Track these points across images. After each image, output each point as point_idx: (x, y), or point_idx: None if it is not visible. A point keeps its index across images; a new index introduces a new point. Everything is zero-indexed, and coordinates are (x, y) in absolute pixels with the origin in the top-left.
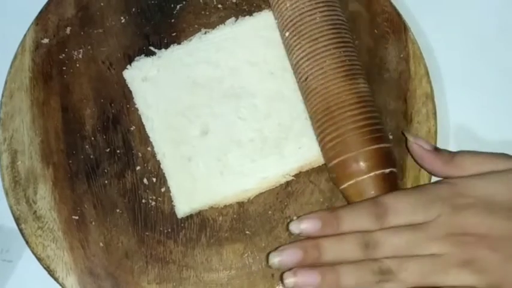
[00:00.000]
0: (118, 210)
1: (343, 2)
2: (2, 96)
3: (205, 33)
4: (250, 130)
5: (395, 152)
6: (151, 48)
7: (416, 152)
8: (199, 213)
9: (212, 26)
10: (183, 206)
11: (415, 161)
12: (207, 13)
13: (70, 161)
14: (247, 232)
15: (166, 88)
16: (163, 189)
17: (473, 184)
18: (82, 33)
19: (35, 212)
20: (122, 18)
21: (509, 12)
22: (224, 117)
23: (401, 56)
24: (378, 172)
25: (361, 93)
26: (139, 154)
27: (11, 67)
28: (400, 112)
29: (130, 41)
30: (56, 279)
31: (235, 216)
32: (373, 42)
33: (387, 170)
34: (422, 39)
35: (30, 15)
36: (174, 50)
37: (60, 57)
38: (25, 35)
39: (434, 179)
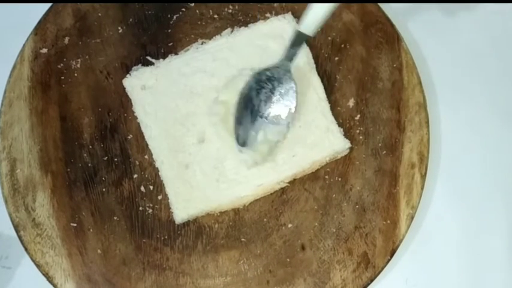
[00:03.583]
0: (115, 218)
1: (337, 12)
2: (1, 105)
3: (201, 43)
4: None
5: (388, 161)
6: (149, 57)
7: None
8: (195, 221)
9: (208, 36)
10: (181, 213)
11: None
12: (203, 23)
13: (68, 169)
14: (242, 239)
15: (164, 97)
16: (160, 197)
17: None
18: (80, 43)
19: (34, 219)
20: (119, 28)
21: (500, 23)
22: (220, 126)
23: (395, 65)
24: None
25: None
26: (137, 162)
27: (10, 76)
28: (394, 121)
29: (127, 51)
30: (55, 286)
31: (231, 223)
32: (366, 52)
33: None
34: (415, 49)
35: (29, 26)
36: (172, 60)
37: (59, 66)
38: (24, 45)
39: (427, 186)
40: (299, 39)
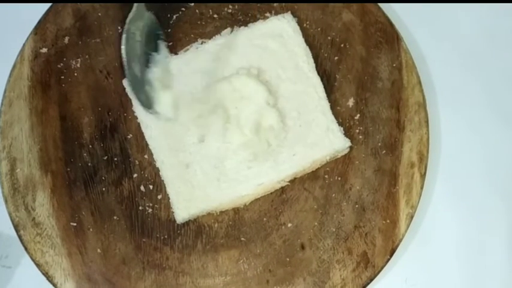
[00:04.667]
0: (115, 217)
1: (336, 12)
2: (1, 104)
3: (201, 43)
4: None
5: (388, 160)
6: None
7: None
8: (195, 220)
9: (208, 35)
10: (182, 212)
11: None
12: (203, 23)
13: (68, 169)
14: (242, 239)
15: None
16: (159, 197)
17: None
18: (80, 42)
19: (34, 218)
20: (119, 28)
21: (498, 23)
22: (220, 125)
23: (394, 65)
24: None
25: None
26: (137, 162)
27: (10, 76)
28: (393, 120)
29: None
30: (55, 285)
31: (230, 223)
32: (366, 51)
33: None
34: (415, 49)
35: (29, 25)
36: (172, 60)
37: (59, 66)
38: (24, 45)
39: (427, 185)
40: None
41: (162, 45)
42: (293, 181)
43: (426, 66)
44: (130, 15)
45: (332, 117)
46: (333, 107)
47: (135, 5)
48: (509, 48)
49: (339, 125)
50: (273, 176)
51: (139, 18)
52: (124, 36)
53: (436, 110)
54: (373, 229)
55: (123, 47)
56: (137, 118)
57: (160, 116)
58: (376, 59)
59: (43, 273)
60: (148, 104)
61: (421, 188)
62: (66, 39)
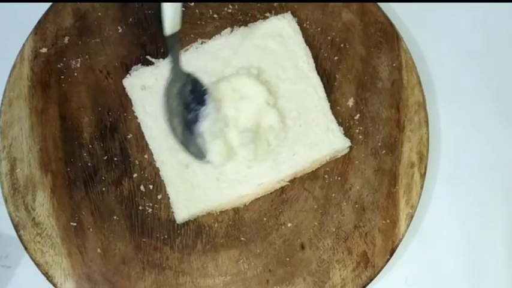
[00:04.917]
0: (115, 217)
1: (336, 12)
2: (1, 104)
3: (201, 43)
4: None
5: (388, 160)
6: (148, 57)
7: None
8: (195, 220)
9: (208, 35)
10: (182, 212)
11: None
12: (203, 23)
13: (68, 169)
14: (242, 238)
15: None
16: (159, 196)
17: None
18: (80, 42)
19: (34, 218)
20: (119, 28)
21: (498, 23)
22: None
23: (394, 65)
24: None
25: None
26: (136, 162)
27: (10, 76)
28: (393, 120)
29: (127, 50)
30: (55, 285)
31: (230, 223)
32: (366, 51)
33: None
34: (415, 49)
35: (29, 25)
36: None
37: (59, 66)
38: (24, 45)
39: (427, 185)
40: (172, 40)
41: (208, 98)
42: (293, 181)
43: (426, 66)
44: (168, 78)
45: (332, 117)
46: (333, 107)
47: (172, 68)
48: (509, 48)
49: (339, 125)
50: (272, 176)
51: (179, 79)
52: (164, 99)
53: (436, 110)
54: (373, 229)
55: (164, 110)
56: (137, 118)
57: (212, 163)
58: (376, 59)
59: (43, 273)
60: (200, 156)
61: (421, 188)
62: (66, 39)
